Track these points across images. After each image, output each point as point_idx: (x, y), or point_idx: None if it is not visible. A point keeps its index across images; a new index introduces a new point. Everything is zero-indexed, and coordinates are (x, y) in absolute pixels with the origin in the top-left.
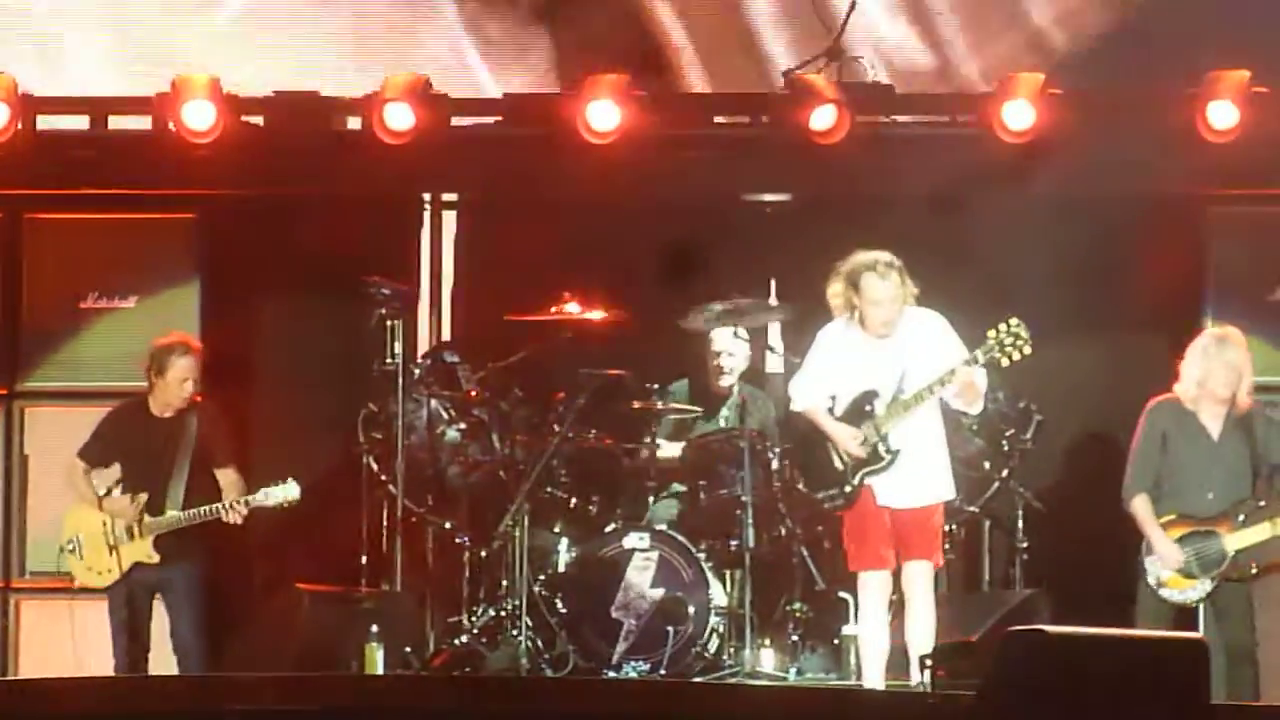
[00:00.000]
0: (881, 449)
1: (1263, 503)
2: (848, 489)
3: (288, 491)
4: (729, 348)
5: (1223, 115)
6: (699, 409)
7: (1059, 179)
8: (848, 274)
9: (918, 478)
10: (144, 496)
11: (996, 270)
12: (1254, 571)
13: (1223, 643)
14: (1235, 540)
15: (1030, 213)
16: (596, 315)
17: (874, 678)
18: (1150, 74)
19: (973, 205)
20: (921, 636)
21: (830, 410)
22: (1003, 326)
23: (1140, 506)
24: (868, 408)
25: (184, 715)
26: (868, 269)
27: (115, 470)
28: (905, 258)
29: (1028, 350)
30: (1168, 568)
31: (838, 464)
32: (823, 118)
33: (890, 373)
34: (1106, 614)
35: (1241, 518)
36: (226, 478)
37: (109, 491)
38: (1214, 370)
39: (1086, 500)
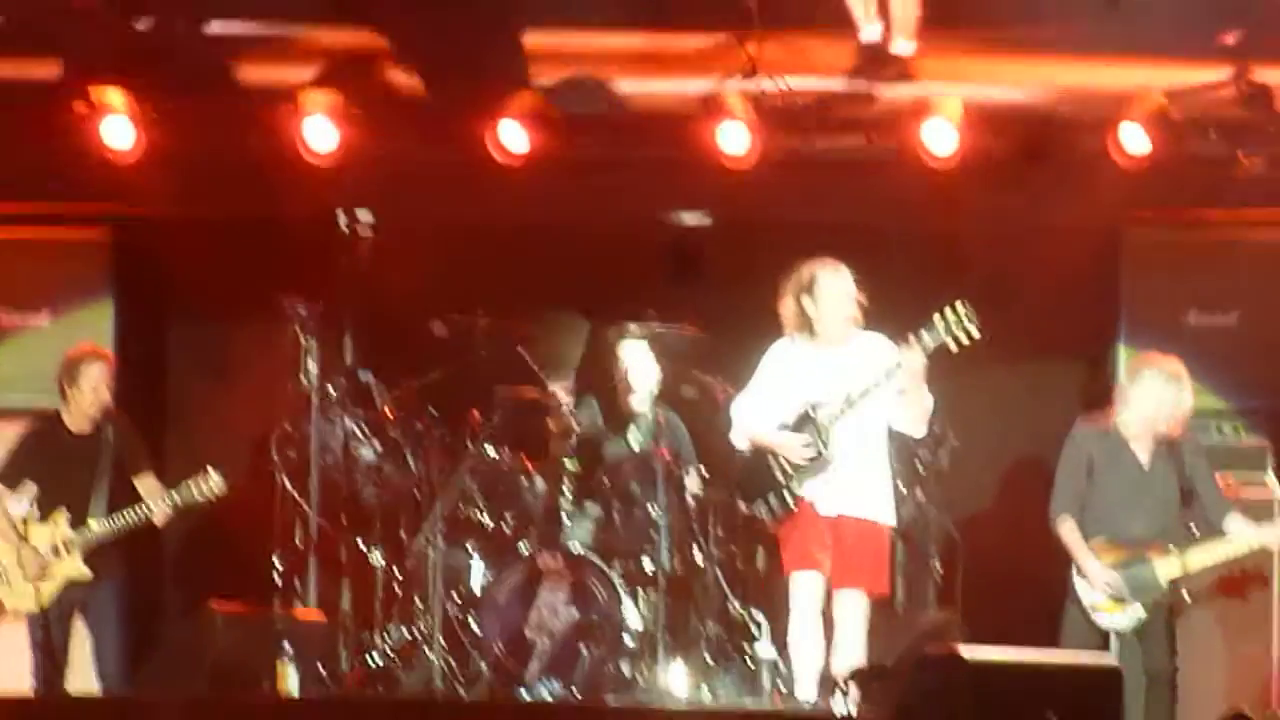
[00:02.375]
0: (822, 449)
1: (1194, 530)
2: (786, 495)
3: (211, 483)
4: (639, 366)
5: (1134, 139)
6: (609, 431)
7: (976, 203)
8: (798, 281)
9: (858, 487)
10: (64, 513)
11: (913, 295)
12: (1185, 597)
13: (1143, 667)
14: (1168, 567)
15: (947, 238)
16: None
17: (805, 689)
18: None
19: (892, 231)
20: (846, 666)
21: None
22: (949, 310)
23: (1067, 531)
24: (811, 414)
25: None
26: (820, 268)
27: (31, 489)
28: None
29: (975, 332)
30: (1101, 592)
31: (777, 472)
32: (736, 140)
33: (837, 386)
34: (1021, 635)
35: (1174, 544)
36: (146, 484)
37: (26, 518)
38: (1159, 407)
39: (1001, 522)
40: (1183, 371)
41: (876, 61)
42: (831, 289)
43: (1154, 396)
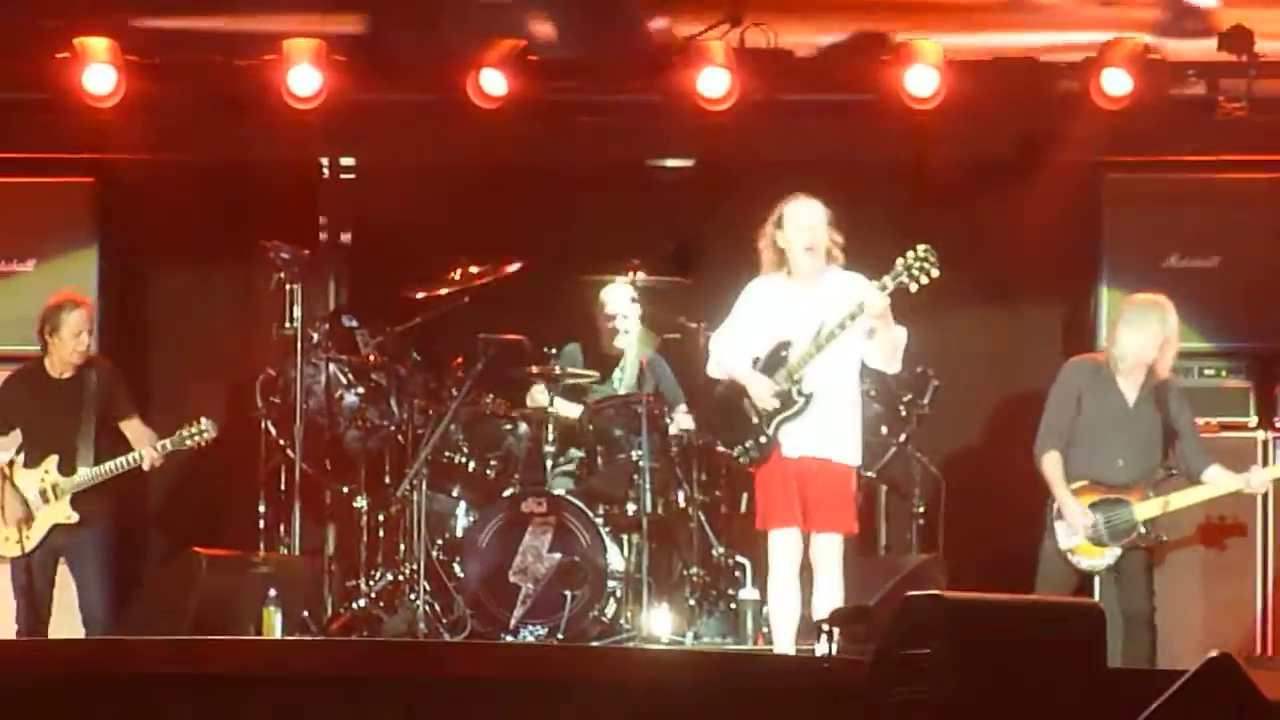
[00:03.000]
0: (794, 392)
1: (1174, 472)
2: (763, 439)
3: (205, 430)
4: (622, 309)
5: (1116, 82)
6: (596, 374)
7: (956, 146)
8: (773, 217)
9: (826, 429)
10: (54, 459)
11: (894, 237)
12: (1163, 539)
13: (1121, 608)
14: (1145, 509)
15: (927, 179)
16: (491, 276)
17: (784, 642)
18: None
19: (873, 172)
20: (829, 607)
21: (754, 363)
22: (910, 253)
23: (1050, 466)
24: (783, 354)
25: (86, 678)
26: (791, 200)
27: (16, 436)
28: None
29: (935, 273)
30: (1078, 534)
31: (753, 417)
32: (715, 84)
33: (810, 323)
34: (1002, 579)
35: (1153, 487)
36: (133, 429)
37: (12, 462)
38: (1144, 336)
39: (983, 465)
40: (1167, 305)
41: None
42: (798, 219)
43: (1139, 329)
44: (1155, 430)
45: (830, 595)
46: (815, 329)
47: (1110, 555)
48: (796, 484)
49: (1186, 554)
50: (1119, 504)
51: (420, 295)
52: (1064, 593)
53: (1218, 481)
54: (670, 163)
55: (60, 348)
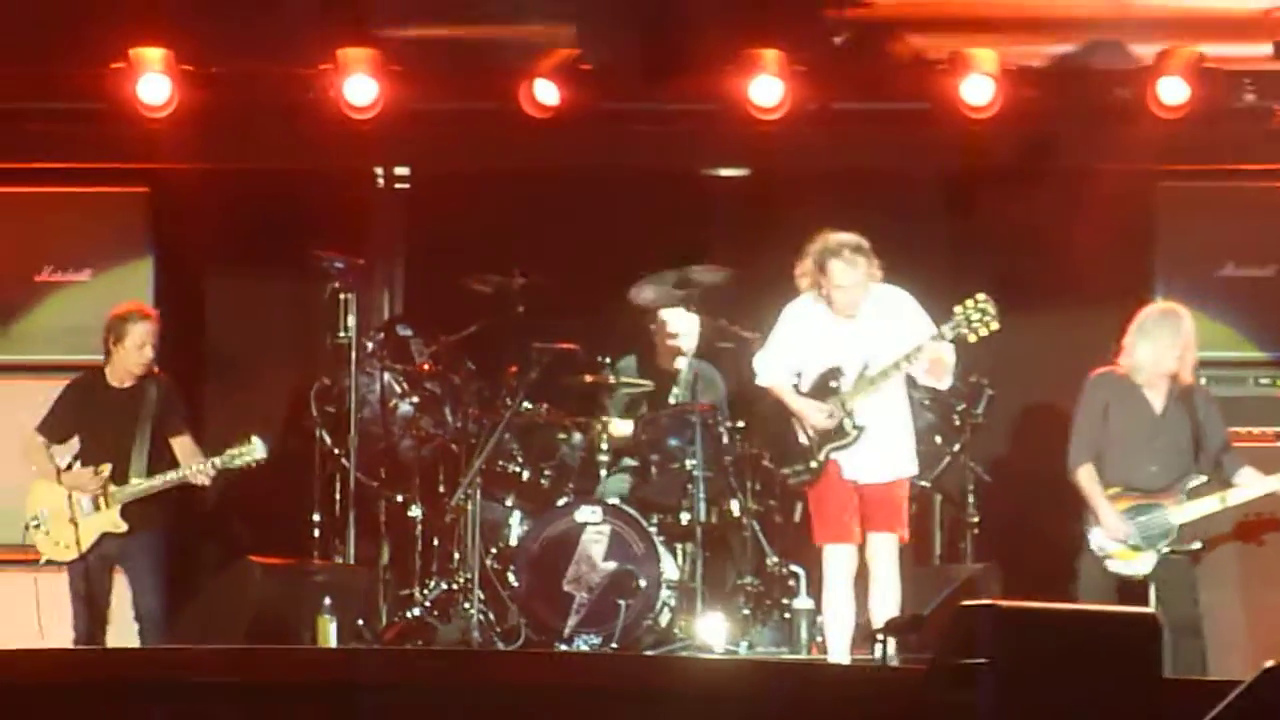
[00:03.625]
0: (847, 424)
1: (1205, 477)
2: (813, 464)
3: (254, 451)
4: (682, 328)
5: (1173, 91)
6: (650, 384)
7: (1012, 154)
8: (815, 256)
9: (884, 454)
10: (108, 467)
11: (949, 244)
12: (1199, 546)
13: (1167, 618)
14: (1180, 514)
15: (981, 187)
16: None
17: (839, 653)
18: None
19: (926, 181)
20: (886, 610)
21: (796, 387)
22: (970, 302)
23: (1085, 478)
24: (833, 384)
25: (142, 687)
26: (834, 255)
27: (75, 444)
28: (857, 232)
29: (995, 326)
30: (1114, 540)
31: (803, 439)
32: (767, 93)
33: (857, 349)
34: (1057, 587)
35: (1186, 491)
36: (182, 446)
37: (70, 465)
38: (1160, 346)
39: (1037, 474)
40: (1180, 312)
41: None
42: (841, 278)
43: (1152, 338)
44: (1185, 436)
45: (887, 599)
46: (862, 356)
47: (1147, 560)
48: (856, 501)
49: (1224, 559)
50: (1153, 509)
51: (480, 287)
52: (1104, 601)
53: (1251, 484)
54: (725, 172)
55: (124, 357)
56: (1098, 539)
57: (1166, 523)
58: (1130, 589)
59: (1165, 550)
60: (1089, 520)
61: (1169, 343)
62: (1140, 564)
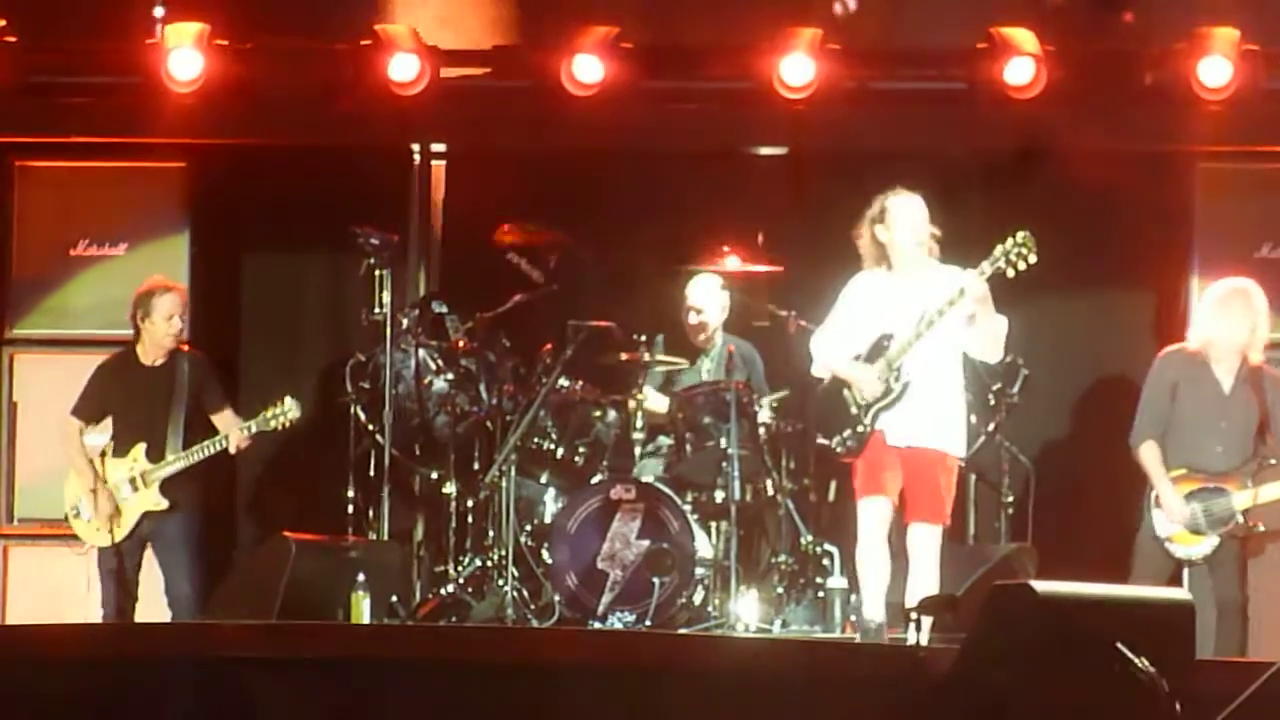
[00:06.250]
0: (893, 381)
1: (1273, 461)
2: (860, 429)
3: (289, 411)
4: (703, 300)
5: (1216, 72)
6: (686, 362)
7: (1051, 134)
8: (872, 213)
9: (928, 418)
10: (143, 447)
11: (987, 224)
12: (1261, 529)
13: (1215, 597)
14: (1244, 499)
15: (1021, 167)
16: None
17: (873, 603)
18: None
19: (966, 161)
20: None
21: (856, 358)
22: (1010, 239)
23: (1149, 454)
24: (885, 345)
25: (174, 662)
26: (892, 197)
27: (108, 425)
28: None
29: (1033, 259)
30: (1176, 523)
31: (853, 408)
32: (798, 72)
33: (912, 315)
34: (1092, 569)
35: (1251, 475)
36: (224, 420)
37: (104, 452)
38: (1230, 322)
39: (1072, 455)
40: (1250, 288)
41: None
42: (902, 215)
43: (1222, 314)
44: (1252, 417)
45: (926, 586)
46: (917, 317)
47: (1208, 544)
48: (898, 464)
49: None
50: (1217, 492)
51: (511, 240)
52: (1160, 582)
53: None
54: (764, 151)
55: (153, 331)
56: (1160, 521)
57: (1229, 508)
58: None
59: (1225, 535)
60: (1149, 502)
61: (1240, 318)
62: (1202, 548)
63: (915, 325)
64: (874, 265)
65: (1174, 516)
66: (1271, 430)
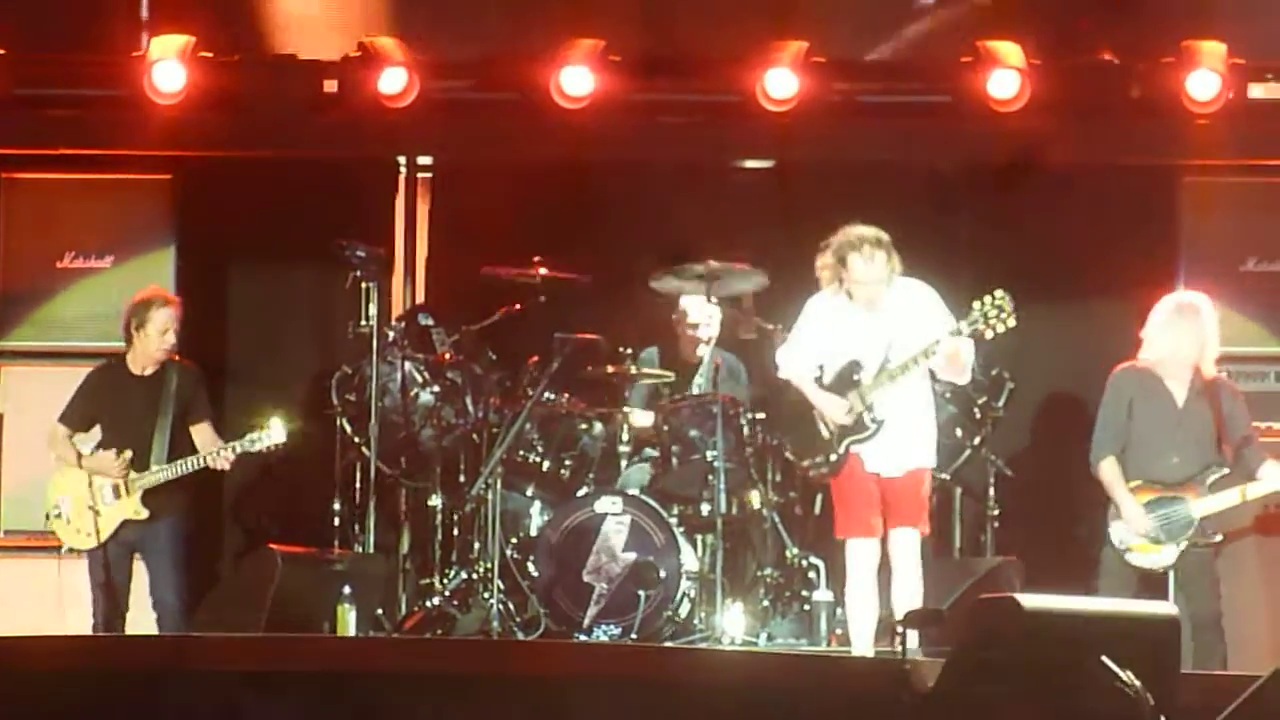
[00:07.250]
0: (867, 418)
1: (1227, 470)
2: (833, 457)
3: (273, 435)
4: (702, 317)
5: (1203, 86)
6: (672, 375)
7: (1037, 147)
8: (835, 250)
9: (904, 446)
10: (128, 454)
11: (972, 238)
12: (1219, 538)
13: (1188, 612)
14: (1202, 506)
15: (1007, 180)
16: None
17: (863, 646)
18: (1129, 44)
19: (950, 174)
20: (908, 604)
21: (818, 380)
22: (988, 298)
23: (1108, 470)
24: (854, 377)
25: (160, 675)
26: (854, 250)
27: (96, 433)
28: (879, 225)
29: (1011, 323)
30: (1135, 533)
31: (824, 432)
32: (781, 85)
33: (878, 342)
34: (1078, 581)
35: (1208, 484)
36: (202, 434)
37: (92, 452)
38: (1179, 337)
39: (1058, 467)
40: (1199, 302)
41: None
42: (862, 270)
43: (1170, 329)
44: (1207, 429)
45: (910, 593)
46: (883, 349)
47: (1168, 554)
48: (878, 495)
49: (1244, 553)
50: (1175, 501)
51: (501, 273)
52: (1125, 593)
53: (1273, 478)
54: (750, 164)
55: (145, 343)
56: (1119, 532)
57: (1188, 515)
58: (1149, 581)
59: (1186, 543)
60: (1111, 514)
61: (1188, 333)
62: (1162, 557)
63: (884, 365)
64: (833, 286)
65: (1136, 527)
66: (1228, 440)
